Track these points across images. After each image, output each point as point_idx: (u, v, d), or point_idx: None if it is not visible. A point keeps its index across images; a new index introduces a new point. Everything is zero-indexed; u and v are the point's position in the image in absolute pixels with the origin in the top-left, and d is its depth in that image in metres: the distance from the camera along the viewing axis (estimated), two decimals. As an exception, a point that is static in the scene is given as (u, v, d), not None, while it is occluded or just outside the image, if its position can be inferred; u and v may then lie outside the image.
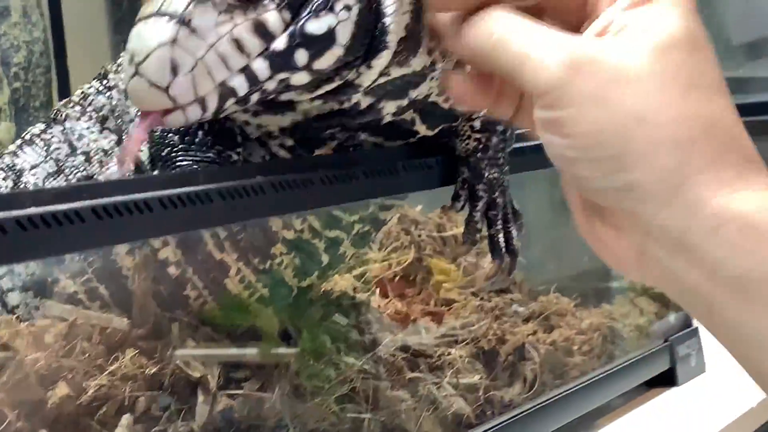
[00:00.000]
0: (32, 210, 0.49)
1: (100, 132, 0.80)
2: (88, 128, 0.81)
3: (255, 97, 0.56)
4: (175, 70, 0.51)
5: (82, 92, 0.83)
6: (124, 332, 0.72)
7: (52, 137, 0.82)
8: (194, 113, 0.53)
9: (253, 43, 0.54)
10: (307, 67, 0.57)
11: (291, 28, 0.55)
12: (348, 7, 0.57)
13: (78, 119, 0.81)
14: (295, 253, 0.74)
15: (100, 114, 0.81)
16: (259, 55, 0.54)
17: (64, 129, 0.81)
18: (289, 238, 0.73)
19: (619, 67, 0.46)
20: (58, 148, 0.81)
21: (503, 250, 0.77)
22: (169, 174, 0.65)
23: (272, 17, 0.55)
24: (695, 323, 1.19)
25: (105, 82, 0.82)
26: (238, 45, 0.54)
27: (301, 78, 0.57)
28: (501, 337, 0.96)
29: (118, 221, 0.52)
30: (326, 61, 0.57)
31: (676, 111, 0.45)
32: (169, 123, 0.53)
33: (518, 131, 0.77)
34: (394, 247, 1.13)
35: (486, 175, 0.75)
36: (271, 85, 0.56)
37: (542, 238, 1.23)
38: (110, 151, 0.79)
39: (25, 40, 1.55)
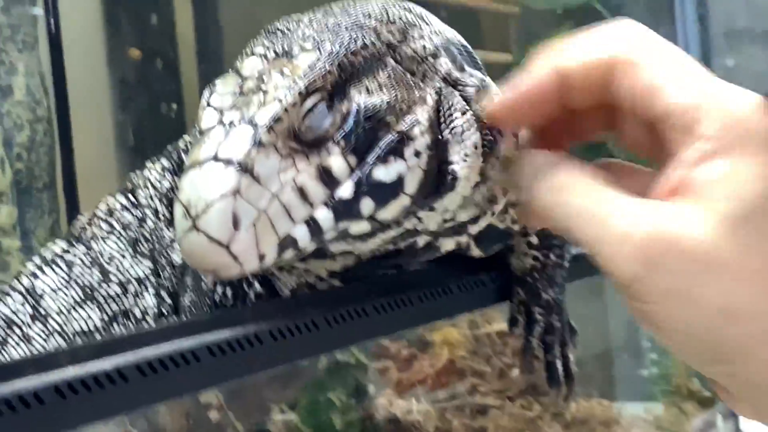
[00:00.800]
0: (70, 372, 0.44)
1: (133, 257, 0.73)
2: (118, 251, 0.74)
3: (312, 247, 0.50)
4: (236, 224, 0.45)
5: (108, 208, 0.77)
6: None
7: (75, 258, 0.75)
8: (251, 267, 0.46)
9: (318, 191, 0.48)
10: (371, 217, 0.50)
11: (356, 174, 0.49)
12: (417, 153, 0.51)
13: (105, 239, 0.75)
14: (341, 390, 0.68)
15: (129, 233, 0.74)
16: (324, 203, 0.48)
17: (90, 250, 0.75)
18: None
19: (696, 256, 0.40)
20: (82, 273, 0.74)
21: (561, 377, 0.71)
22: (215, 315, 0.59)
23: (337, 162, 0.48)
24: (743, 429, 1.13)
25: (132, 198, 0.76)
26: (302, 193, 0.47)
27: (361, 227, 0.51)
28: (548, 454, 0.89)
29: (164, 376, 0.47)
30: (391, 211, 0.51)
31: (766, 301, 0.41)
32: (222, 276, 0.46)
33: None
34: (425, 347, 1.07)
35: (543, 296, 0.69)
36: (330, 235, 0.50)
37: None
38: (144, 281, 0.72)
39: (28, 119, 1.50)
